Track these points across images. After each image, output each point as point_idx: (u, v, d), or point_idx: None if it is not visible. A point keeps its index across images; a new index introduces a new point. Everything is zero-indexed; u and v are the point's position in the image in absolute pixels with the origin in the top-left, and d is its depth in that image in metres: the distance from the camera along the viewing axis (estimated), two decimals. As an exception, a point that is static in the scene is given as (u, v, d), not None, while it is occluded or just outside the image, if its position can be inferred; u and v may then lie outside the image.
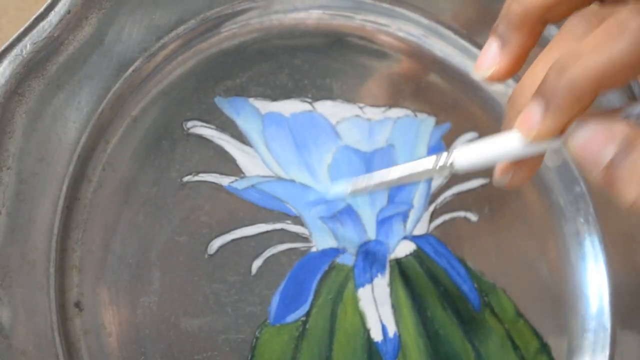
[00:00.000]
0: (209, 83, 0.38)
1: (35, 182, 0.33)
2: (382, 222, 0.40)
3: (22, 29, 0.33)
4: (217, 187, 0.37)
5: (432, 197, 0.41)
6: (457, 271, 0.41)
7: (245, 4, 0.38)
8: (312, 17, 0.40)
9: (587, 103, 0.29)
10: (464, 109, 0.42)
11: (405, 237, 0.40)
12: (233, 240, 0.37)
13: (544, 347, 0.42)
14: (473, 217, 0.42)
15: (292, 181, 0.38)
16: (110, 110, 0.35)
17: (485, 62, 0.32)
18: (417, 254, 0.40)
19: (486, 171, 0.42)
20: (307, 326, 0.37)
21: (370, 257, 0.39)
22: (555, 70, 0.29)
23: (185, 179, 0.36)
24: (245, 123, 0.38)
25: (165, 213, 0.36)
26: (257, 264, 0.37)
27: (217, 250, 0.36)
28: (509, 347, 0.41)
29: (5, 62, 0.32)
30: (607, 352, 0.42)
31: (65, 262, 0.34)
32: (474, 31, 0.42)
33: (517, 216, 0.43)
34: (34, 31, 0.33)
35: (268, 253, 0.37)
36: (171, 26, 0.36)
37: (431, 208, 0.41)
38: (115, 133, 0.35)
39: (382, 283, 0.39)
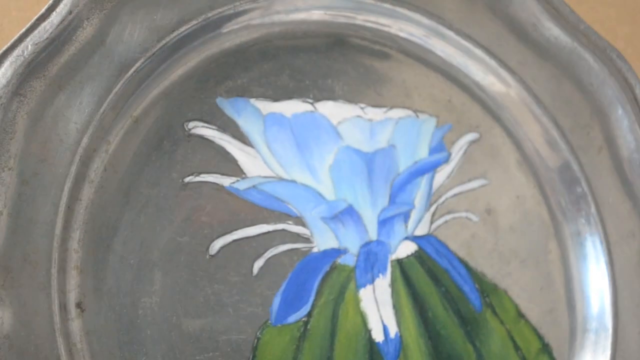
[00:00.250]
0: (210, 84, 0.38)
1: (37, 183, 0.33)
2: (384, 223, 0.40)
3: (23, 30, 0.33)
4: (219, 187, 0.37)
5: (433, 198, 0.41)
6: (458, 271, 0.41)
7: (247, 5, 0.38)
8: (314, 17, 0.40)
9: None
10: (465, 109, 0.42)
11: (406, 238, 0.40)
12: (234, 241, 0.37)
13: (545, 348, 0.42)
14: (474, 217, 0.42)
15: (294, 182, 0.38)
16: (112, 111, 0.35)
17: None
18: (419, 255, 0.40)
19: (487, 172, 0.42)
20: (309, 327, 0.37)
21: (372, 257, 0.39)
22: None
23: (187, 179, 0.36)
24: (247, 124, 0.38)
25: (166, 214, 0.36)
26: (258, 264, 0.37)
27: (219, 251, 0.36)
28: (511, 348, 0.41)
29: (7, 62, 0.32)
30: (608, 353, 0.42)
31: (67, 263, 0.34)
32: (476, 32, 0.42)
33: (518, 216, 0.42)
34: (36, 32, 0.33)
35: (269, 253, 0.37)
36: (172, 27, 0.36)
37: (432, 208, 0.41)
38: (117, 134, 0.35)
39: (383, 283, 0.39)
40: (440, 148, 0.42)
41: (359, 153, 0.40)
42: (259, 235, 0.37)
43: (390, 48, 0.41)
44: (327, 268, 0.38)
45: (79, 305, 0.34)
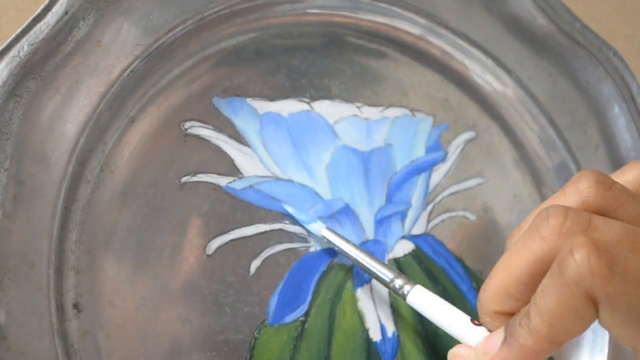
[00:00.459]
0: (206, 83, 0.38)
1: (34, 184, 0.33)
2: (381, 222, 0.40)
3: (19, 30, 0.33)
4: (215, 187, 0.37)
5: (430, 197, 0.41)
6: (455, 270, 0.41)
7: (243, 4, 0.38)
8: (310, 17, 0.40)
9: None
10: (461, 108, 0.42)
11: (403, 237, 0.40)
12: (231, 241, 0.37)
13: (543, 346, 0.42)
14: (471, 216, 0.42)
15: (290, 181, 0.38)
16: (108, 111, 0.35)
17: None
18: (416, 254, 0.40)
19: (484, 170, 0.42)
20: (306, 326, 0.37)
21: (369, 256, 0.39)
22: (520, 317, 0.28)
23: (184, 179, 0.36)
24: (243, 123, 0.38)
25: (163, 214, 0.36)
26: (255, 264, 0.37)
27: (216, 251, 0.36)
28: (508, 346, 0.41)
29: (3, 63, 0.32)
30: (605, 352, 0.42)
31: (64, 264, 0.33)
32: (472, 30, 0.42)
33: (515, 215, 0.42)
34: (31, 32, 0.33)
35: (266, 253, 0.37)
36: (168, 26, 0.36)
37: (429, 207, 0.41)
38: (113, 134, 0.35)
39: (380, 283, 0.39)
40: (437, 147, 0.42)
41: (355, 152, 0.40)
42: (255, 235, 0.37)
43: (386, 47, 0.41)
44: (324, 267, 0.38)
45: (75, 306, 0.33)
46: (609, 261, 0.26)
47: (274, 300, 0.37)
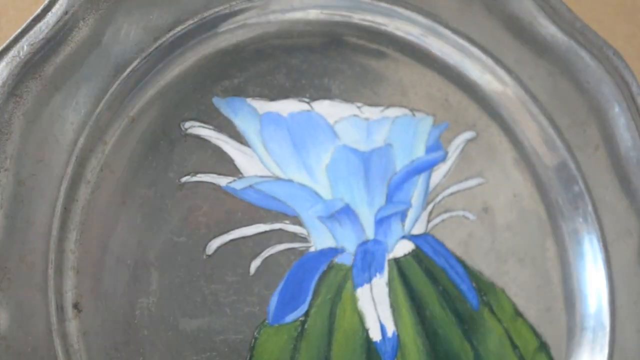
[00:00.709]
0: (206, 83, 0.38)
1: (33, 184, 0.33)
2: (381, 222, 0.40)
3: (19, 30, 0.33)
4: (215, 187, 0.37)
5: (430, 196, 0.41)
6: (455, 270, 0.41)
7: (243, 4, 0.38)
8: (310, 16, 0.40)
9: None
10: (461, 108, 0.42)
11: (403, 237, 0.40)
12: (231, 241, 0.37)
13: (543, 346, 0.42)
14: (471, 216, 0.42)
15: (290, 181, 0.38)
16: (108, 111, 0.35)
17: None
18: (416, 254, 0.40)
19: (484, 170, 0.42)
20: (306, 326, 0.37)
21: (369, 256, 0.39)
22: None
23: (183, 179, 0.36)
24: (243, 123, 0.38)
25: (163, 214, 0.36)
26: (255, 264, 0.37)
27: (216, 251, 0.36)
28: (508, 346, 0.41)
29: (3, 63, 0.32)
30: (605, 351, 0.42)
31: (64, 264, 0.34)
32: (472, 30, 0.42)
33: (515, 215, 0.42)
34: (31, 32, 0.33)
35: (266, 253, 0.37)
36: (168, 26, 0.36)
37: (429, 207, 0.41)
38: (113, 134, 0.35)
39: (380, 282, 0.39)
40: (437, 147, 0.42)
41: (355, 152, 0.40)
42: (255, 234, 0.37)
43: (386, 47, 0.41)
44: (324, 267, 0.38)
45: (75, 306, 0.34)
46: None
47: (274, 300, 0.37)
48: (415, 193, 0.41)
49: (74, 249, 0.34)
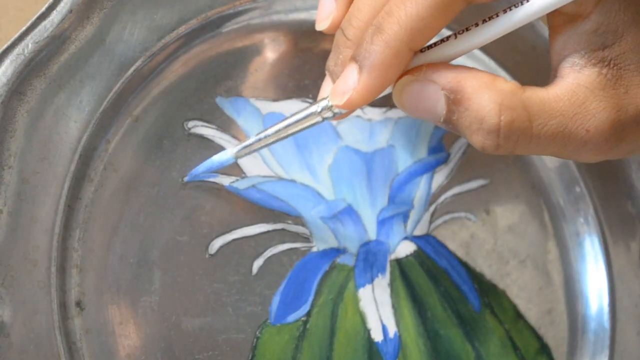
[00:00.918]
0: (210, 83, 0.38)
1: (37, 181, 0.33)
2: (383, 223, 0.40)
3: (24, 28, 0.33)
4: (218, 187, 0.37)
5: (432, 198, 0.41)
6: (457, 271, 0.41)
7: (247, 5, 0.38)
8: (313, 17, 0.40)
9: (402, 62, 0.30)
10: (464, 109, 0.43)
11: (405, 238, 0.40)
12: (234, 240, 0.37)
13: (544, 348, 0.42)
14: (473, 217, 0.42)
15: (293, 181, 0.38)
16: (112, 110, 0.35)
17: (322, 14, 0.33)
18: (418, 255, 0.40)
19: (486, 172, 0.42)
20: (308, 326, 0.37)
21: (371, 257, 0.39)
22: (371, 31, 0.30)
23: (186, 178, 0.36)
24: (246, 123, 0.38)
25: (166, 213, 0.36)
26: (257, 263, 0.37)
27: (218, 250, 0.36)
28: (509, 348, 0.41)
29: (7, 61, 0.32)
30: (606, 353, 0.42)
31: (67, 262, 0.34)
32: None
33: (517, 217, 0.43)
34: (36, 30, 0.33)
35: (269, 253, 0.37)
36: (172, 26, 0.36)
37: (432, 208, 0.41)
38: (117, 133, 0.35)
39: (382, 283, 0.39)
40: (440, 148, 0.42)
41: (358, 153, 0.40)
42: (258, 234, 0.37)
43: (389, 48, 0.41)
44: (326, 267, 0.38)
45: (78, 304, 0.33)
46: None
47: (276, 300, 0.37)
48: (418, 194, 0.41)
49: (77, 247, 0.34)
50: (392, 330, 0.39)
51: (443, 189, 0.41)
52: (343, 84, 0.31)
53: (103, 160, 0.35)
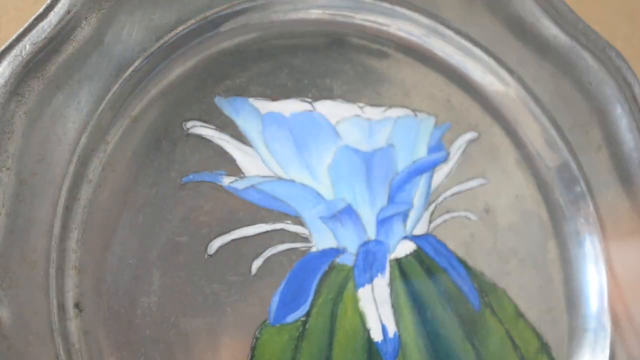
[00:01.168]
0: (208, 83, 0.38)
1: (35, 183, 0.33)
2: (382, 222, 0.40)
3: (21, 30, 0.33)
4: (217, 187, 0.37)
5: (432, 197, 0.41)
6: (457, 271, 0.41)
7: (245, 4, 0.38)
8: (312, 16, 0.40)
9: None
10: (463, 109, 0.42)
11: (405, 237, 0.40)
12: (233, 241, 0.37)
13: (544, 347, 0.42)
14: (473, 216, 0.42)
15: (292, 181, 0.38)
16: (110, 111, 0.35)
17: None
18: (417, 254, 0.40)
19: (486, 171, 0.42)
20: (307, 326, 0.37)
21: (371, 257, 0.39)
22: None
23: (185, 179, 0.36)
24: (245, 123, 0.38)
25: (165, 213, 0.36)
26: (257, 264, 0.37)
27: (217, 251, 0.36)
28: (509, 347, 0.41)
29: (5, 62, 0.32)
30: (607, 352, 0.42)
31: (65, 263, 0.34)
32: (474, 31, 0.42)
33: (517, 216, 0.42)
34: (34, 31, 0.33)
35: (268, 253, 0.37)
36: (171, 26, 0.36)
37: (431, 208, 0.41)
38: (115, 133, 0.35)
39: (382, 283, 0.39)
40: (439, 147, 0.42)
41: (357, 152, 0.40)
42: (257, 234, 0.37)
43: (389, 47, 0.41)
44: (325, 267, 0.38)
45: (77, 305, 0.33)
46: None
47: (275, 300, 0.37)
48: (417, 193, 0.41)
49: (76, 248, 0.34)
50: (391, 330, 0.39)
51: (443, 188, 0.41)
52: None
53: (101, 161, 0.35)
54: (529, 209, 0.43)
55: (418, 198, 0.41)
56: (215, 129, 0.37)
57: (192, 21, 0.37)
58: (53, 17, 0.33)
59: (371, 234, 0.39)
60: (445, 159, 0.42)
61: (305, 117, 0.39)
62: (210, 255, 0.36)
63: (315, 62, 0.40)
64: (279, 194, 0.38)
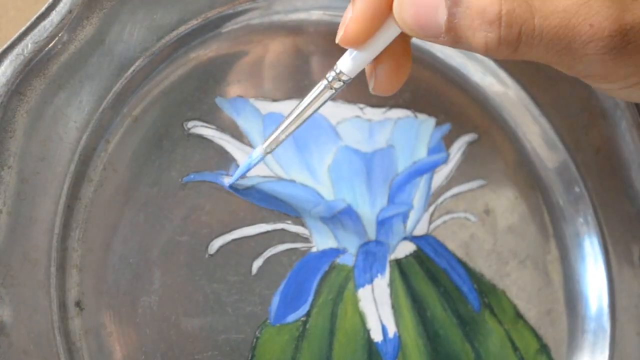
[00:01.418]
0: (209, 83, 0.38)
1: (36, 182, 0.33)
2: (382, 223, 0.40)
3: (23, 29, 0.33)
4: (218, 187, 0.37)
5: (432, 198, 0.41)
6: (457, 272, 0.41)
7: (246, 5, 0.38)
8: (313, 17, 0.40)
9: None
10: (464, 110, 0.43)
11: (405, 238, 0.40)
12: (233, 240, 0.37)
13: (544, 348, 0.42)
14: (473, 217, 0.42)
15: (293, 181, 0.38)
16: (111, 110, 0.35)
17: (341, 26, 0.33)
18: (417, 255, 0.40)
19: (486, 172, 0.42)
20: (308, 326, 0.37)
21: (371, 257, 0.39)
22: None
23: (186, 179, 0.36)
24: (246, 123, 0.38)
25: (165, 213, 0.36)
26: (257, 264, 0.37)
27: (218, 250, 0.36)
28: (509, 348, 0.41)
29: (7, 61, 0.32)
30: (606, 354, 0.42)
31: (66, 262, 0.34)
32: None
33: (517, 217, 0.43)
34: (36, 30, 0.33)
35: (268, 253, 0.37)
36: (172, 26, 0.36)
37: (431, 209, 0.41)
38: (116, 133, 0.35)
39: (382, 283, 0.39)
40: (439, 148, 0.42)
41: (358, 153, 0.40)
42: (258, 234, 0.37)
43: (389, 48, 0.41)
44: (326, 268, 0.38)
45: (78, 304, 0.33)
46: None
47: (275, 300, 0.37)
48: (417, 194, 0.41)
49: (77, 247, 0.34)
50: (391, 330, 0.39)
51: (443, 189, 0.41)
52: (342, 19, 0.32)
53: (103, 160, 0.35)
54: (529, 210, 0.43)
55: (418, 199, 0.41)
56: (216, 129, 0.37)
57: (194, 21, 0.37)
58: (55, 16, 0.33)
59: (371, 234, 0.39)
60: (445, 160, 0.42)
61: (306, 118, 0.39)
62: (211, 255, 0.36)
63: (315, 63, 0.40)
64: (279, 194, 0.38)
